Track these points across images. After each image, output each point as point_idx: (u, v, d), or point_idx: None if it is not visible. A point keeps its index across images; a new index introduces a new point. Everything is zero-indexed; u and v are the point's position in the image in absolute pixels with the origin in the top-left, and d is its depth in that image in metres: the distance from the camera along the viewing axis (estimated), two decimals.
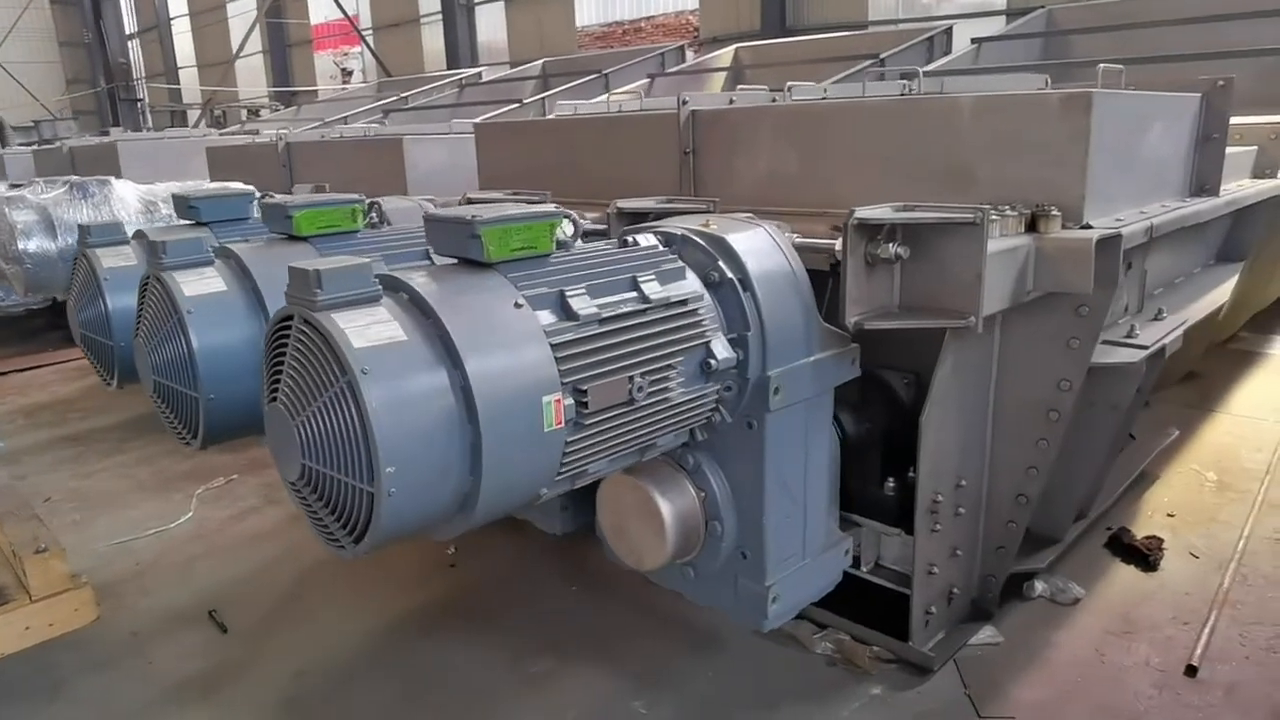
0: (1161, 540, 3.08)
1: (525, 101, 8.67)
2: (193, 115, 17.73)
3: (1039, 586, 2.81)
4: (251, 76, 22.07)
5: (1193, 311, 2.97)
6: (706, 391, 1.88)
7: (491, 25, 17.59)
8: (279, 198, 2.32)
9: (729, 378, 1.92)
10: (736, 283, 1.91)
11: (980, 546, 2.64)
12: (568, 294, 1.63)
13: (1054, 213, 2.20)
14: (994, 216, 2.14)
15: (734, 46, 9.53)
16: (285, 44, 22.27)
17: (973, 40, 7.32)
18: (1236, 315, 4.71)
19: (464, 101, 10.44)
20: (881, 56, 7.50)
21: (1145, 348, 2.51)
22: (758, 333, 1.91)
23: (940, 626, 2.58)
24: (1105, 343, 2.58)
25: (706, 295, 1.90)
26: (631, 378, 1.67)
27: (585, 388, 1.60)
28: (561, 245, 1.82)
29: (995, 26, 7.73)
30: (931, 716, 2.32)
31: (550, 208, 1.70)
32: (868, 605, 2.61)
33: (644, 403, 1.71)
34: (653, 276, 1.79)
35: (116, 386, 2.62)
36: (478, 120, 4.44)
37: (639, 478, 2.08)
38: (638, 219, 2.46)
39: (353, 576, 3.13)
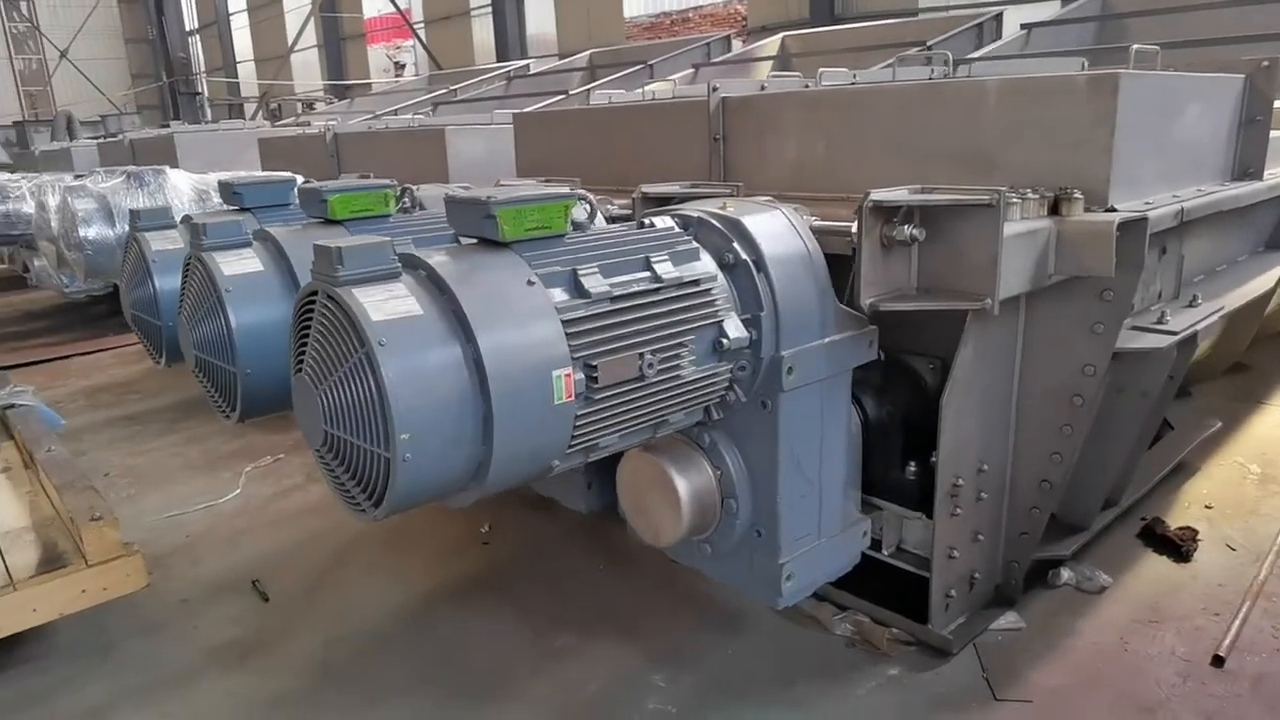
0: (1196, 531, 3.02)
1: (571, 93, 8.74)
2: (250, 108, 18.21)
3: (1065, 574, 2.79)
4: (307, 70, 22.56)
5: (1231, 299, 2.91)
6: (719, 370, 1.91)
7: (540, 17, 17.72)
8: (316, 183, 2.41)
9: (742, 357, 1.96)
10: (751, 264, 1.94)
11: (1004, 532, 2.64)
12: (580, 272, 1.68)
13: (1076, 196, 2.18)
14: (1014, 199, 2.13)
15: (780, 35, 9.48)
16: (339, 38, 22.71)
17: (1022, 26, 7.19)
18: None
19: (512, 93, 10.56)
20: (929, 44, 7.40)
21: (1175, 334, 2.47)
22: (771, 313, 1.94)
23: (961, 611, 2.58)
24: (1135, 328, 2.55)
25: (720, 276, 1.94)
26: (642, 354, 1.72)
27: (595, 363, 1.65)
28: (579, 226, 1.87)
29: (1050, 12, 7.56)
30: (947, 698, 2.33)
31: (565, 190, 1.76)
32: (890, 588, 2.62)
33: (654, 379, 1.76)
34: (666, 257, 1.83)
35: (165, 364, 2.75)
36: (516, 111, 4.51)
37: (656, 455, 2.13)
38: (663, 203, 2.50)
39: (389, 551, 3.24)
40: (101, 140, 8.93)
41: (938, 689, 2.37)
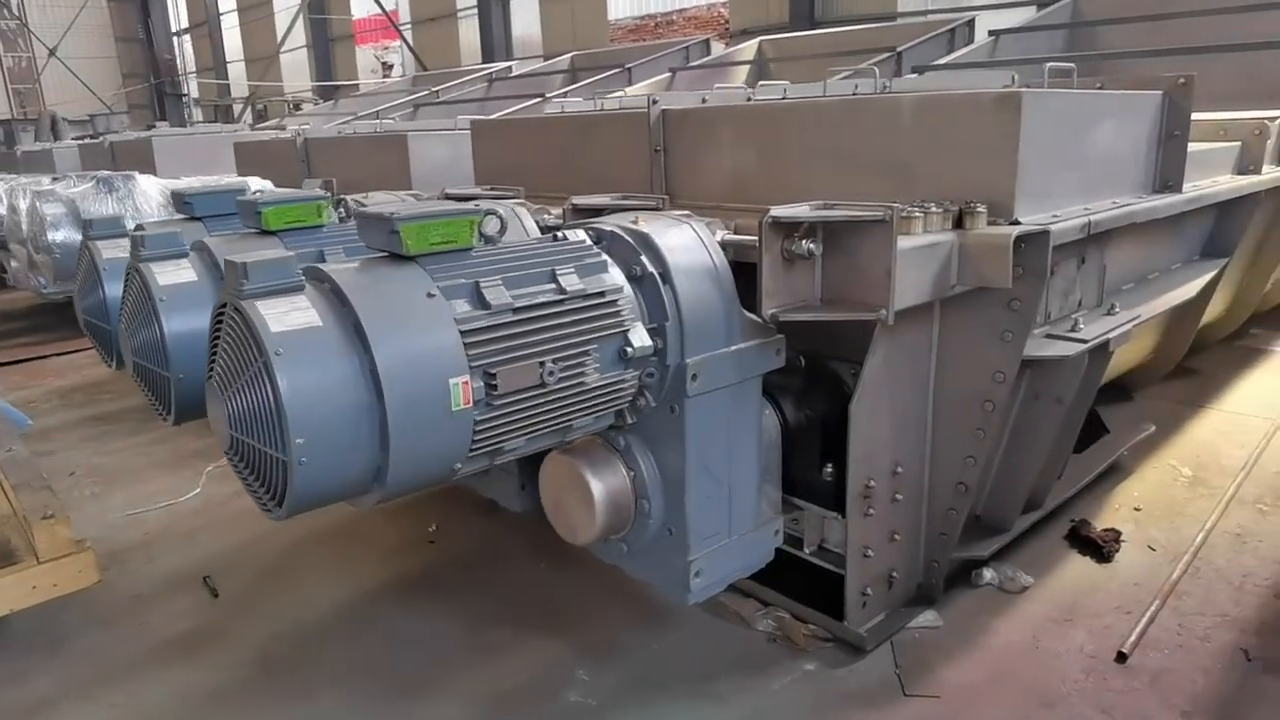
0: (1119, 533, 3.13)
1: (548, 96, 8.83)
2: (239, 109, 18.27)
3: (987, 574, 2.89)
4: (296, 71, 22.63)
5: (1149, 308, 3.01)
6: (625, 377, 2.00)
7: (526, 19, 17.82)
8: (250, 195, 2.50)
9: (649, 364, 2.05)
10: (657, 276, 2.03)
11: (924, 533, 2.73)
12: (483, 285, 1.77)
13: (979, 209, 2.28)
14: (916, 214, 2.23)
15: (758, 40, 9.57)
16: (328, 39, 22.78)
17: (990, 33, 7.29)
18: (1236, 312, 4.70)
19: (492, 96, 10.64)
20: (898, 50, 7.51)
21: (1085, 342, 2.57)
22: (676, 323, 2.03)
23: (880, 609, 2.67)
24: (1049, 336, 2.66)
25: (628, 288, 2.03)
26: (543, 363, 1.81)
27: (495, 371, 1.74)
28: (489, 240, 1.96)
29: (1023, 18, 7.65)
30: (859, 694, 2.43)
31: (470, 205, 1.85)
32: (814, 586, 2.71)
33: (556, 386, 1.85)
34: (572, 270, 1.92)
35: (115, 368, 2.83)
36: (474, 118, 4.60)
37: (573, 457, 2.22)
38: (595, 214, 2.59)
39: (338, 549, 3.33)
40: (82, 142, 8.99)
41: (851, 685, 2.46)
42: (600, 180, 3.38)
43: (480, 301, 1.76)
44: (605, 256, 2.02)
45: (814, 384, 2.64)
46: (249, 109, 14.76)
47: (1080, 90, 2.74)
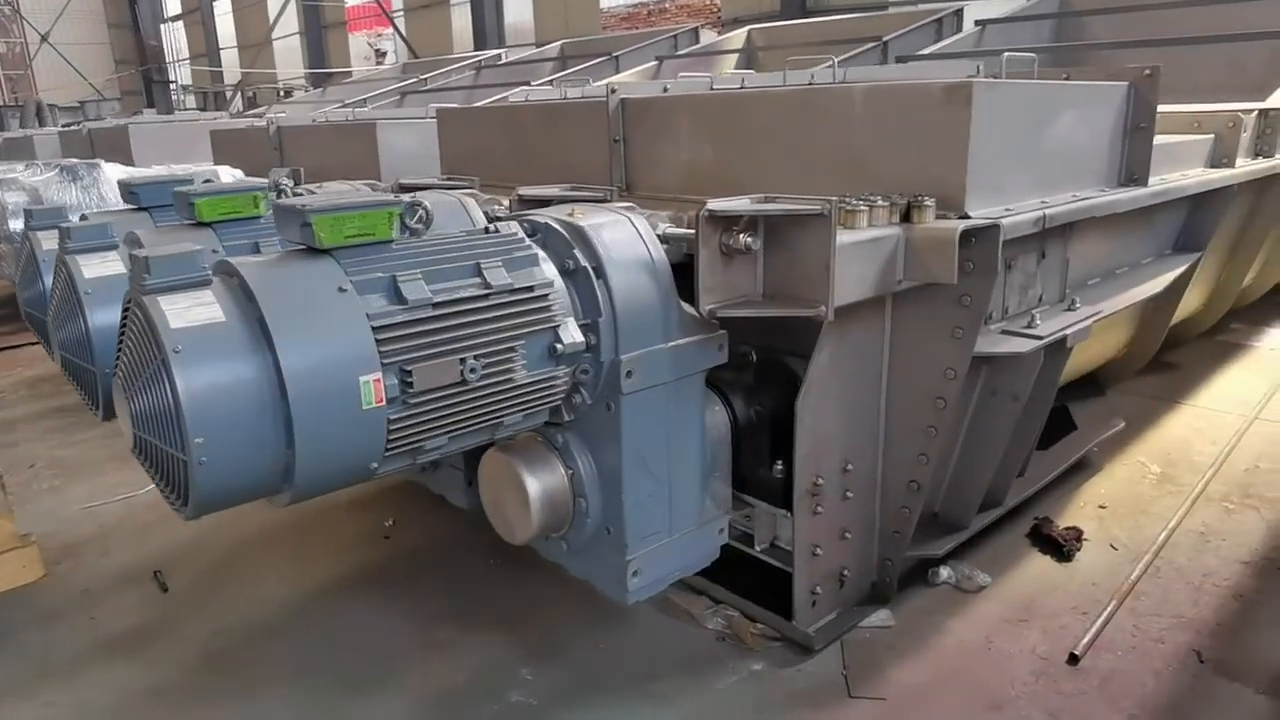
0: (1081, 531, 3.08)
1: (534, 84, 8.75)
2: (231, 96, 18.16)
3: (944, 573, 2.85)
4: (290, 58, 22.48)
5: (1115, 303, 2.96)
6: (557, 374, 1.96)
7: (519, 6, 17.69)
8: (186, 186, 2.45)
9: (582, 361, 2.00)
10: (590, 270, 1.98)
11: (877, 531, 2.69)
12: (400, 279, 1.72)
13: (926, 203, 2.23)
14: (861, 207, 2.18)
15: (747, 28, 9.49)
16: (321, 25, 22.61)
17: (976, 22, 7.22)
18: (1214, 307, 4.65)
19: (480, 83, 10.56)
20: (884, 39, 7.44)
21: (1040, 338, 2.52)
22: (609, 319, 1.98)
23: (831, 608, 2.64)
24: (1005, 332, 2.61)
25: (559, 282, 1.98)
26: (464, 359, 1.76)
27: (411, 368, 1.69)
28: (414, 233, 1.91)
29: (1009, 8, 7.58)
30: (805, 695, 2.39)
31: (391, 196, 1.80)
32: (767, 584, 2.67)
33: (479, 384, 1.80)
34: (499, 264, 1.87)
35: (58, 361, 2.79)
36: (440, 106, 4.54)
37: (510, 455, 2.18)
38: (543, 205, 2.54)
39: (292, 544, 3.30)
40: (62, 129, 8.91)
41: (797, 685, 2.42)
42: (562, 170, 3.33)
43: (397, 296, 1.71)
44: (536, 250, 1.97)
45: (765, 379, 2.60)
46: (239, 96, 14.65)
47: (1039, 81, 2.68)
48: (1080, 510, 3.31)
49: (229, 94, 17.50)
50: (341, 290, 1.66)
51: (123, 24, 25.64)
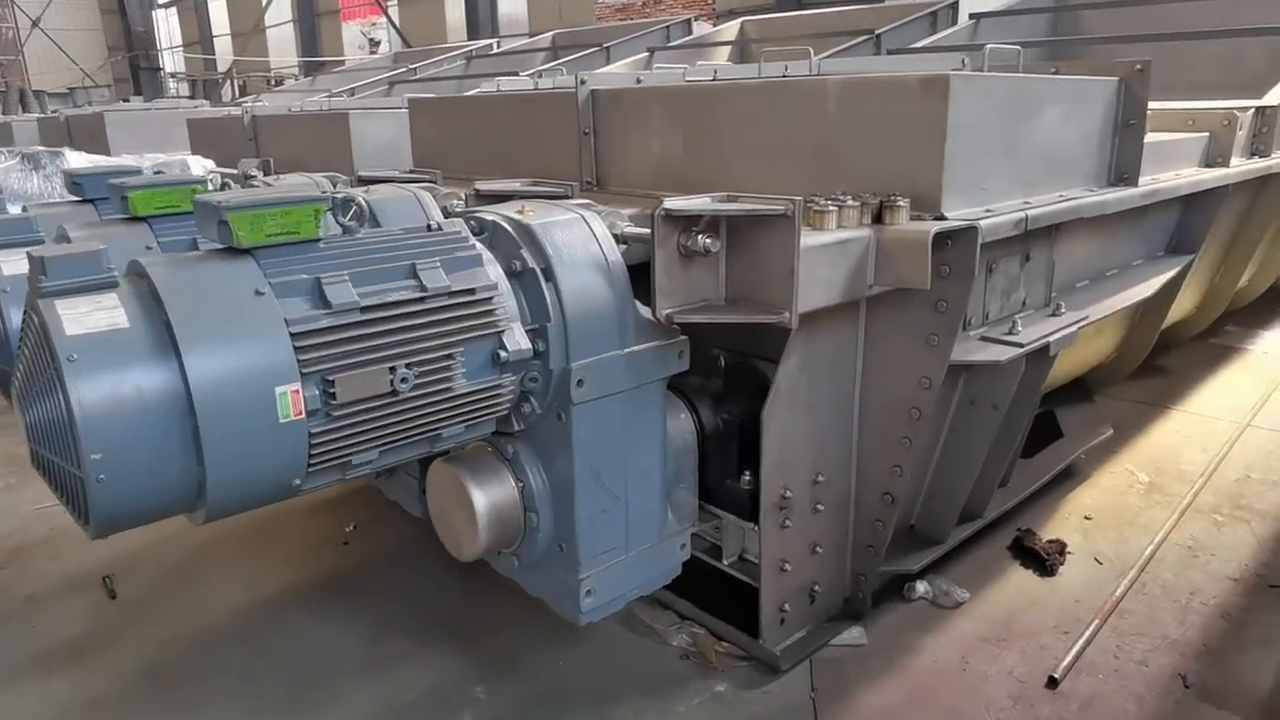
0: (1064, 544, 2.97)
1: (522, 74, 8.60)
2: (222, 85, 17.97)
3: (920, 588, 2.74)
4: (283, 46, 22.25)
5: (1103, 308, 2.85)
6: (502, 383, 1.84)
7: None
8: (120, 179, 2.32)
9: (530, 369, 1.89)
10: (539, 272, 1.86)
11: (850, 545, 2.58)
12: (325, 282, 1.60)
13: (899, 203, 2.11)
14: (830, 207, 2.06)
15: (740, 20, 9.35)
16: (314, 13, 22.36)
17: (971, 16, 7.07)
18: (1208, 310, 4.54)
19: (471, 74, 10.40)
20: (877, 32, 7.30)
21: (1020, 346, 2.41)
22: (559, 324, 1.86)
23: (801, 625, 2.53)
24: (984, 339, 2.49)
25: (504, 284, 1.86)
26: (394, 368, 1.65)
27: (334, 378, 1.57)
28: (348, 231, 1.79)
29: (1004, 1, 7.44)
30: (768, 718, 2.28)
31: (317, 192, 1.68)
32: (738, 599, 2.56)
33: (411, 395, 1.68)
34: (437, 264, 1.75)
35: None
36: (411, 96, 4.40)
37: (456, 466, 2.06)
38: (501, 200, 2.42)
39: (248, 549, 3.18)
40: (40, 117, 8.76)
41: (760, 708, 2.31)
42: (533, 164, 3.21)
43: (320, 300, 1.59)
44: (480, 250, 1.85)
45: (734, 385, 2.49)
46: (230, 84, 14.48)
47: (1022, 75, 2.56)
48: (1065, 522, 3.20)
49: (221, 82, 17.33)
50: (259, 293, 1.54)
51: (114, 9, 25.35)
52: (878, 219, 2.13)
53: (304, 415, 1.54)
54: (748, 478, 2.37)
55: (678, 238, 1.91)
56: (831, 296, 2.03)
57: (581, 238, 1.94)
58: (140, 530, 3.29)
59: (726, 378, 2.53)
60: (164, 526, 3.32)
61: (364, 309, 1.62)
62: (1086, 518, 3.21)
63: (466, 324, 1.76)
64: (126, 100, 11.31)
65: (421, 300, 1.70)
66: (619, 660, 2.51)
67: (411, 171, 3.16)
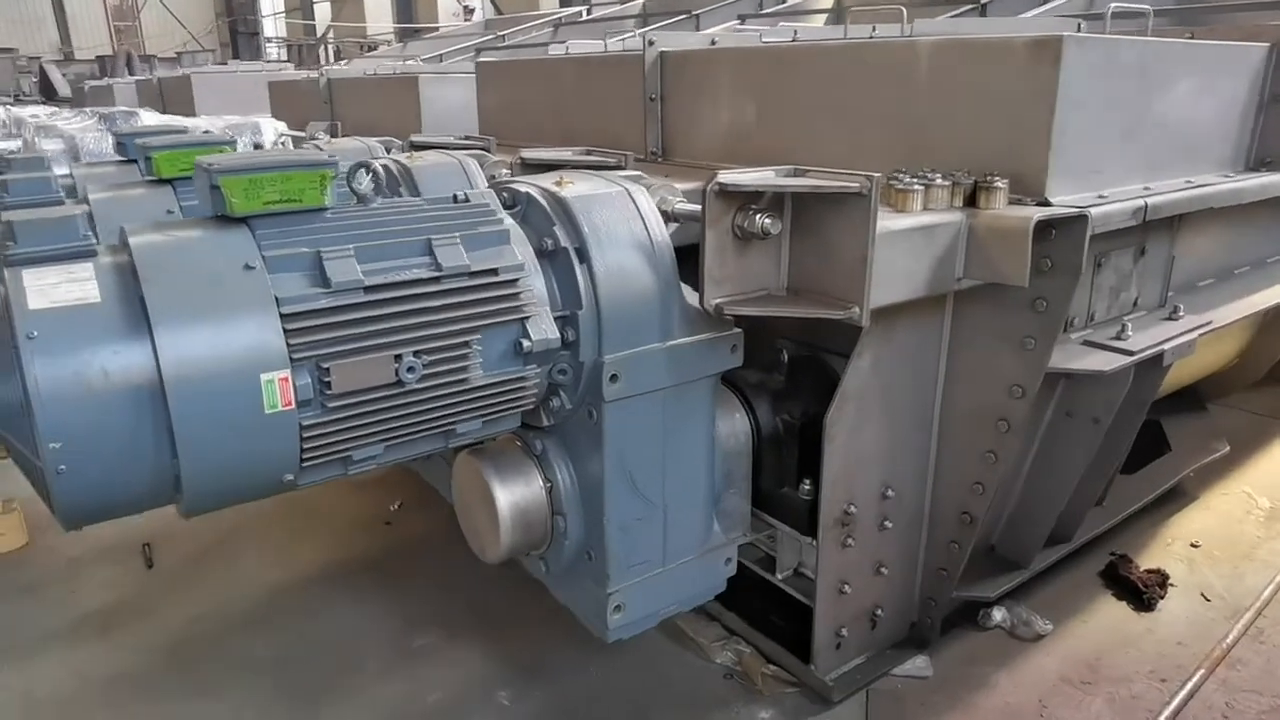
0: (1166, 576, 2.64)
1: (608, 41, 8.35)
2: (320, 49, 18.26)
3: (997, 616, 2.46)
4: (379, 13, 22.46)
5: (1228, 313, 2.48)
6: (526, 375, 1.64)
7: None
8: (146, 138, 2.20)
9: (559, 360, 1.69)
10: (572, 252, 1.66)
11: (920, 566, 2.32)
12: (326, 256, 1.43)
13: (997, 184, 1.82)
14: (916, 186, 1.79)
15: None
16: None
17: None
18: None
19: (558, 40, 10.20)
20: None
21: (1130, 354, 2.09)
22: (591, 311, 1.65)
23: (859, 651, 2.28)
24: (1088, 343, 2.18)
25: (532, 265, 1.66)
26: (400, 356, 1.47)
27: (328, 365, 1.40)
28: (362, 200, 1.62)
29: None
30: None
31: (324, 156, 1.50)
32: (793, 616, 2.33)
33: (420, 386, 1.50)
34: (457, 240, 1.56)
35: None
36: (480, 59, 4.23)
37: (482, 460, 1.88)
38: (549, 171, 2.22)
39: (290, 525, 3.10)
40: (139, 80, 9.00)
41: None
42: (595, 132, 3.00)
43: (319, 277, 1.42)
44: (508, 225, 1.65)
45: (799, 382, 2.24)
46: (324, 49, 14.65)
47: (1150, 38, 2.20)
48: (1167, 549, 2.84)
49: (317, 46, 17.61)
50: (248, 268, 1.37)
51: None
52: (971, 202, 1.85)
53: (294, 406, 1.37)
54: (807, 487, 2.13)
55: (733, 217, 1.67)
56: (912, 290, 1.77)
57: (624, 215, 1.72)
58: None
59: (790, 373, 2.27)
60: None
61: (368, 288, 1.44)
62: (1193, 545, 2.86)
63: (486, 309, 1.56)
64: (224, 64, 11.53)
65: (436, 280, 1.51)
66: (656, 673, 2.31)
67: (467, 138, 2.98)
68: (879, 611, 2.27)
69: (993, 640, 2.42)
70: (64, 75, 13.91)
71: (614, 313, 1.66)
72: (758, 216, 1.65)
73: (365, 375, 1.44)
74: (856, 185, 1.58)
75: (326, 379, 1.40)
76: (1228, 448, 3.20)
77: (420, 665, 2.37)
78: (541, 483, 1.87)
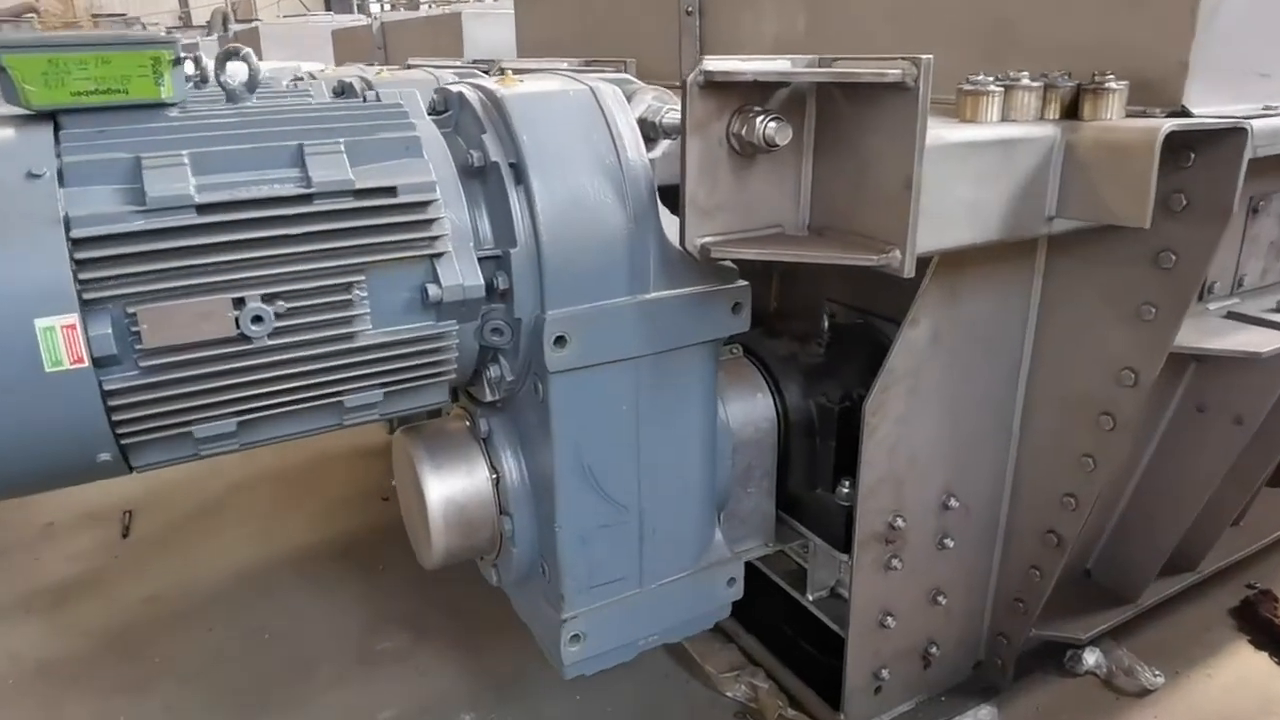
0: None
1: None
2: None
3: (1090, 660, 1.94)
4: None
5: None
6: (440, 332, 1.24)
7: None
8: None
9: (491, 315, 1.27)
10: (504, 169, 1.23)
11: (991, 595, 1.83)
12: (147, 164, 1.05)
13: (1110, 85, 1.29)
14: (991, 86, 1.29)
15: None
16: None
17: None
18: None
19: None
20: None
21: None
22: (529, 250, 1.23)
23: (906, 695, 1.82)
24: (1232, 315, 1.62)
25: (453, 187, 1.24)
26: (241, 299, 1.08)
27: (134, 310, 1.03)
28: (232, 96, 1.24)
29: None
30: None
31: (161, 36, 1.12)
32: (829, 644, 1.88)
33: (274, 343, 1.11)
34: (339, 148, 1.15)
35: None
36: None
37: (414, 441, 1.50)
38: None
39: (278, 496, 2.83)
40: (220, 35, 9.02)
41: None
42: (635, 47, 2.58)
43: (131, 191, 1.04)
44: (418, 131, 1.23)
45: (843, 354, 1.76)
46: None
47: None
48: None
49: None
50: (32, 176, 1.00)
51: None
52: (1072, 113, 1.33)
53: (86, 363, 1.01)
54: (846, 490, 1.66)
55: (727, 122, 1.21)
56: (983, 231, 1.27)
57: (583, 122, 1.28)
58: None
59: (832, 344, 1.79)
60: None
61: (201, 208, 1.06)
62: None
63: (376, 240, 1.16)
64: (315, 15, 11.54)
65: (304, 200, 1.11)
66: (652, 703, 1.91)
67: (474, 63, 2.60)
68: (933, 649, 1.79)
69: (1083, 690, 1.91)
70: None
71: (561, 254, 1.23)
72: (759, 120, 1.18)
73: (190, 326, 1.06)
74: (897, 72, 1.09)
75: (135, 329, 1.03)
76: None
77: (379, 673, 2.02)
78: (487, 473, 1.47)
